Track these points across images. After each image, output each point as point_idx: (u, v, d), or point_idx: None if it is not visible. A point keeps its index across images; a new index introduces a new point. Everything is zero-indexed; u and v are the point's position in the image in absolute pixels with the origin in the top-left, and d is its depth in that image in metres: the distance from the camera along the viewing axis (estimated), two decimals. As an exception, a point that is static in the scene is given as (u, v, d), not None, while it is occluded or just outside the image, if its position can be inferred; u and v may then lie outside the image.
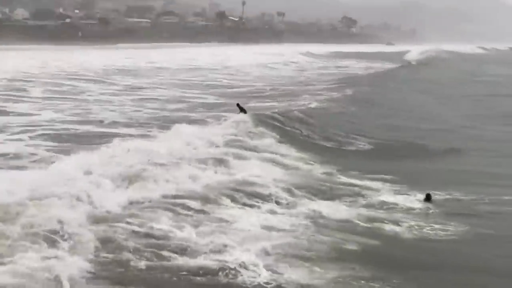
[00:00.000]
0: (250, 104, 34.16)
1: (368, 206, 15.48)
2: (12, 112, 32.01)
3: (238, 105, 28.28)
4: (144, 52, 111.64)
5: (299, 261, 11.33)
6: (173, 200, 14.62)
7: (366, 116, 33.54)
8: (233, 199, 15.16)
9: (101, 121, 29.85)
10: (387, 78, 60.84)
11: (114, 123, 29.06)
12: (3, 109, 32.99)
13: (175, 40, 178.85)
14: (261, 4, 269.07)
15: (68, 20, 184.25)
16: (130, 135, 23.89)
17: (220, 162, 18.62)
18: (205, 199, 14.90)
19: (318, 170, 19.33)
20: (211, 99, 41.96)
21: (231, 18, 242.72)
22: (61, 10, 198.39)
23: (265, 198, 15.50)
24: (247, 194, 15.61)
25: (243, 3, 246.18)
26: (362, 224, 13.98)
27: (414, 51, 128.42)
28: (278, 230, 13.05)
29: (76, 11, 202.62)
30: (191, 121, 27.15)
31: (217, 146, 20.78)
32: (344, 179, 18.29)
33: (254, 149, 21.06)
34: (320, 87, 48.99)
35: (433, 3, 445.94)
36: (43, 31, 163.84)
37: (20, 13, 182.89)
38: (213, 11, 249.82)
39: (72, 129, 26.63)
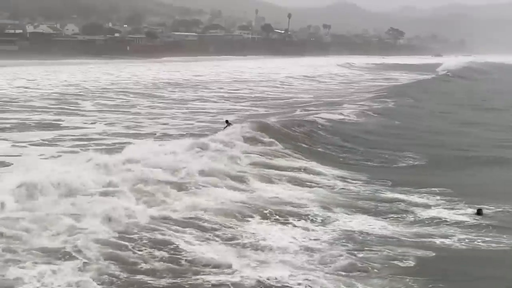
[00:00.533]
0: (295, 118, 33.51)
1: (417, 221, 15.08)
2: (66, 126, 32.27)
3: (227, 121, 28.67)
4: (191, 65, 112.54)
5: (345, 277, 11.01)
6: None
7: (408, 128, 32.88)
8: (267, 217, 14.77)
9: (154, 133, 29.86)
10: (427, 89, 59.96)
11: (166, 136, 28.98)
12: (56, 123, 33.32)
13: (221, 53, 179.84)
14: (307, 17, 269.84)
15: (116, 35, 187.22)
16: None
17: (252, 178, 18.38)
18: (238, 215, 14.60)
19: (362, 187, 18.78)
20: (261, 111, 41.64)
21: (277, 31, 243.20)
22: (110, 25, 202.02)
23: (302, 216, 15.05)
24: (283, 212, 15.19)
25: (289, 16, 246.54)
26: (410, 238, 13.62)
27: (453, 62, 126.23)
28: (318, 247, 12.71)
29: (125, 25, 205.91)
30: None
31: (252, 164, 20.44)
32: (390, 195, 17.78)
33: (286, 168, 20.57)
34: (364, 99, 48.16)
35: (482, 14, 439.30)
36: (93, 45, 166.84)
37: (71, 28, 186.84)
38: (259, 24, 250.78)
39: (125, 142, 26.63)
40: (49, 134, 28.79)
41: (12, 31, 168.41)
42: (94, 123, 33.77)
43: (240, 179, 18.20)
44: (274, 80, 76.54)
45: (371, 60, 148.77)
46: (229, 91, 59.37)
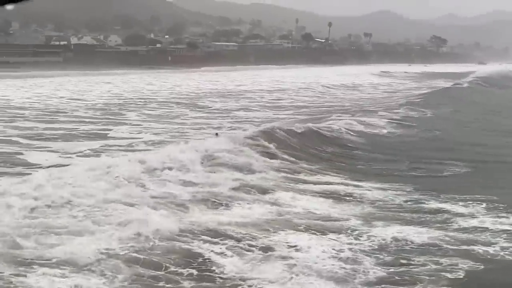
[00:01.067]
0: (334, 126, 32.94)
1: (462, 230, 14.71)
2: (112, 136, 32.36)
3: (216, 134, 29.77)
4: (231, 74, 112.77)
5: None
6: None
7: (448, 137, 32.26)
8: (301, 230, 14.44)
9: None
10: (465, 97, 58.90)
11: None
12: (103, 133, 33.46)
13: (261, 62, 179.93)
14: (348, 26, 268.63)
15: (158, 46, 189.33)
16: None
17: (282, 191, 18.13)
18: (270, 228, 14.32)
19: (403, 198, 18.24)
20: (301, 118, 41.02)
21: (317, 39, 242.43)
22: (151, 36, 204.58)
23: (339, 228, 14.71)
24: (318, 225, 14.86)
25: (330, 25, 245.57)
26: (457, 248, 13.28)
27: (495, 69, 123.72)
28: (360, 259, 12.41)
29: (166, 36, 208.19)
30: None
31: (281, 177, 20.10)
32: (433, 205, 17.32)
33: (320, 182, 20.13)
34: (401, 107, 47.23)
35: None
36: (135, 56, 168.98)
37: (114, 39, 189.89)
38: (299, 33, 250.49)
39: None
40: (96, 144, 28.86)
41: (57, 42, 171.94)
42: (140, 133, 33.80)
43: (269, 192, 18.01)
44: (313, 89, 75.91)
45: (413, 69, 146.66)
46: (270, 100, 59.09)
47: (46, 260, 11.16)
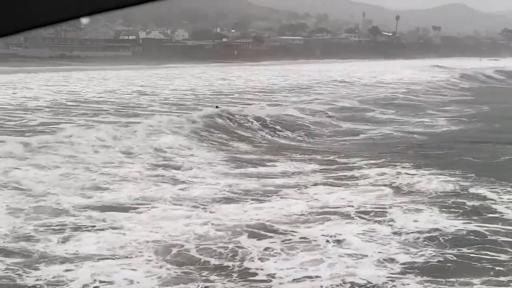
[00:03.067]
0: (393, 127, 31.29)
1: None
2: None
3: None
4: (300, 68, 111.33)
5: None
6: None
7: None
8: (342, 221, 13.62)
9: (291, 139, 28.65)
10: None
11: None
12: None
13: (328, 56, 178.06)
14: (415, 19, 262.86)
15: (224, 40, 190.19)
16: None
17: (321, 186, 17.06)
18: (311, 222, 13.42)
19: (452, 186, 16.86)
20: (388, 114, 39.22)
21: (385, 33, 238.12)
22: (218, 30, 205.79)
23: (383, 218, 13.76)
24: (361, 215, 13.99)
25: (397, 18, 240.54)
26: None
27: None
28: (409, 249, 11.68)
29: (232, 30, 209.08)
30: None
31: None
32: (488, 194, 15.91)
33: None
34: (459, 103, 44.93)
35: None
36: (201, 50, 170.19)
37: (181, 34, 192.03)
38: (366, 27, 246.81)
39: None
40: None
41: (126, 37, 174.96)
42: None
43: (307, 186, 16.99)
44: (387, 84, 73.43)
45: (485, 64, 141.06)
46: (343, 95, 57.20)
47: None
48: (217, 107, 34.56)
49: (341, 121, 34.62)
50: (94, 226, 12.79)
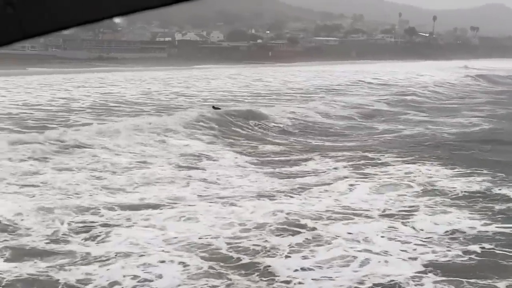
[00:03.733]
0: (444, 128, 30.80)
1: None
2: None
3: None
4: (335, 69, 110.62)
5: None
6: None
7: None
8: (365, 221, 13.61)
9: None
10: None
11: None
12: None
13: (363, 57, 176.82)
14: (453, 19, 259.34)
15: (259, 41, 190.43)
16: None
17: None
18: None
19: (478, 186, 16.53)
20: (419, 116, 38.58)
21: (421, 34, 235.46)
22: (253, 31, 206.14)
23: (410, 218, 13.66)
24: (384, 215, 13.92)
25: (434, 19, 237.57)
26: None
27: None
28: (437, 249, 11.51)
29: (267, 31, 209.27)
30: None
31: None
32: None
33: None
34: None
35: None
36: (236, 52, 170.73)
37: (216, 35, 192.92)
38: (402, 27, 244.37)
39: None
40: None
41: (162, 39, 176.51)
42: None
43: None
44: (421, 84, 72.23)
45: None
46: (381, 95, 56.48)
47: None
48: (214, 107, 34.75)
49: (375, 123, 34.35)
50: (127, 224, 12.98)
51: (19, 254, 10.99)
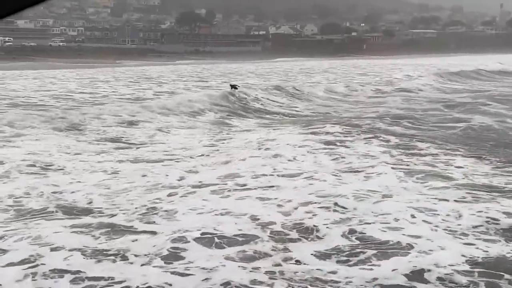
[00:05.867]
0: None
1: None
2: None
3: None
4: (428, 62, 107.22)
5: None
6: None
7: None
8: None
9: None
10: None
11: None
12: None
13: (462, 50, 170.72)
14: None
15: (353, 34, 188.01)
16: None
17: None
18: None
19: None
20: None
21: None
22: (347, 24, 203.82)
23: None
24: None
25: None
26: None
27: None
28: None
29: (362, 24, 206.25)
30: None
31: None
32: None
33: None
34: None
35: None
36: (330, 45, 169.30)
37: (310, 28, 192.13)
38: (504, 19, 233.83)
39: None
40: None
41: (257, 32, 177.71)
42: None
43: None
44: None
45: None
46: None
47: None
48: (232, 86, 33.26)
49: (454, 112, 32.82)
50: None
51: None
